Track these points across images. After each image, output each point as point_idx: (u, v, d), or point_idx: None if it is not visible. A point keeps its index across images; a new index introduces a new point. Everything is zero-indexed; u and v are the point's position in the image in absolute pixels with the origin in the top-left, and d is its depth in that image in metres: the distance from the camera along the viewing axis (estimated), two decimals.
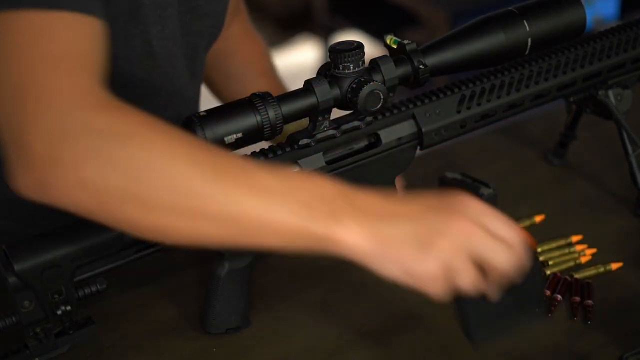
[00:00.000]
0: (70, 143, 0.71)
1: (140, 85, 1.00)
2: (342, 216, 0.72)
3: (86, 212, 0.73)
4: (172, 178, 0.72)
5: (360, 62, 0.89)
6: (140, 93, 1.00)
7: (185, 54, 1.05)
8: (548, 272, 1.03)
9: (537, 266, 0.81)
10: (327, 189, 0.74)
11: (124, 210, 0.72)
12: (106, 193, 0.71)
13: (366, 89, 0.88)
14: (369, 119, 0.93)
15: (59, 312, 0.82)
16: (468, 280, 0.73)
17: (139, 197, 0.72)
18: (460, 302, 0.78)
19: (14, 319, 0.82)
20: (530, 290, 0.81)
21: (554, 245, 1.07)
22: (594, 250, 1.06)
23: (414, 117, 0.96)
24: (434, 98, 0.97)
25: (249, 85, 1.20)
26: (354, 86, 0.88)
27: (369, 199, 0.74)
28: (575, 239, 1.08)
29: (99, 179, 0.71)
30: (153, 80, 1.01)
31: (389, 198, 0.75)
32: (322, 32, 3.44)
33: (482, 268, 0.74)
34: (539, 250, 1.06)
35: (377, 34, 3.17)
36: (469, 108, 0.99)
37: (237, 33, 1.23)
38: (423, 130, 0.96)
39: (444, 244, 0.72)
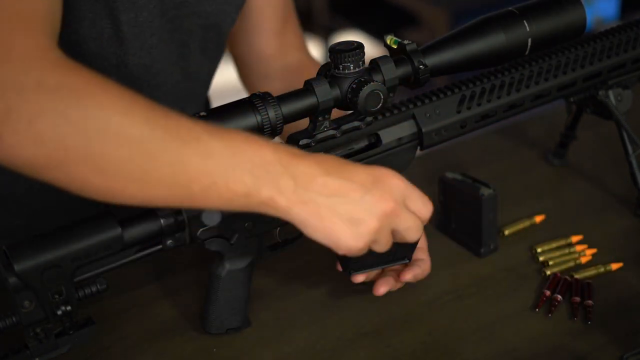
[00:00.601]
0: (25, 98, 0.71)
1: (114, 71, 1.01)
2: (281, 184, 0.77)
3: (37, 169, 0.74)
4: (127, 139, 0.73)
5: (360, 62, 0.89)
6: (114, 80, 1.01)
7: (174, 50, 1.05)
8: (548, 272, 1.03)
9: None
10: (268, 156, 0.77)
11: (75, 168, 0.73)
12: (59, 150, 0.72)
13: (366, 89, 0.88)
14: (369, 119, 0.93)
15: (59, 312, 0.82)
16: (385, 248, 0.84)
17: (92, 156, 0.73)
18: None
19: (14, 319, 0.82)
20: (407, 246, 0.92)
21: (554, 245, 1.07)
22: (594, 250, 1.06)
23: (414, 117, 0.96)
24: (434, 98, 0.97)
25: None
26: (354, 86, 0.88)
27: (307, 169, 0.79)
28: (575, 239, 1.08)
29: (53, 135, 0.71)
30: (128, 69, 1.02)
31: (326, 168, 0.80)
32: (322, 32, 3.44)
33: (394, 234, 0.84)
34: (539, 250, 1.07)
35: (377, 34, 3.17)
36: (469, 108, 0.99)
37: (294, 63, 1.21)
38: (423, 130, 0.96)
39: (373, 224, 0.80)
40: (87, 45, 0.97)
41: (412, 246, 0.93)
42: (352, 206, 0.79)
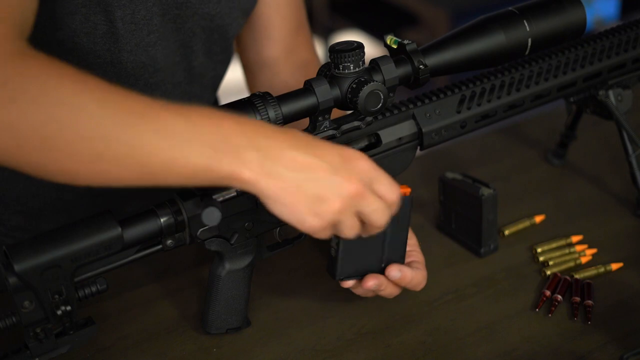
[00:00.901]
0: None
1: (108, 68, 1.00)
2: (244, 156, 0.76)
3: None
4: (81, 121, 0.73)
5: (360, 62, 0.89)
6: (109, 76, 1.01)
7: (176, 50, 1.05)
8: (548, 272, 1.03)
9: (405, 226, 0.92)
10: (230, 128, 0.76)
11: (31, 154, 0.73)
12: (14, 135, 0.72)
13: (366, 89, 0.88)
14: (369, 119, 0.93)
15: (59, 312, 0.82)
16: (351, 232, 0.82)
17: (46, 141, 0.73)
18: (338, 248, 0.90)
19: (14, 319, 0.82)
20: (395, 248, 0.92)
21: (554, 245, 1.07)
22: (594, 250, 1.06)
23: (414, 117, 0.96)
24: (434, 98, 0.97)
25: None
26: (354, 86, 0.88)
27: (273, 142, 0.77)
28: (575, 239, 1.08)
29: (7, 121, 0.72)
30: (122, 65, 1.01)
31: (293, 142, 0.78)
32: (322, 32, 3.44)
33: (362, 220, 0.82)
34: (539, 250, 1.07)
35: (377, 34, 3.18)
36: (469, 108, 0.99)
37: (301, 73, 1.19)
38: (423, 130, 0.96)
39: (337, 204, 0.79)
40: (80, 39, 0.96)
41: (401, 253, 0.93)
42: (319, 184, 0.78)
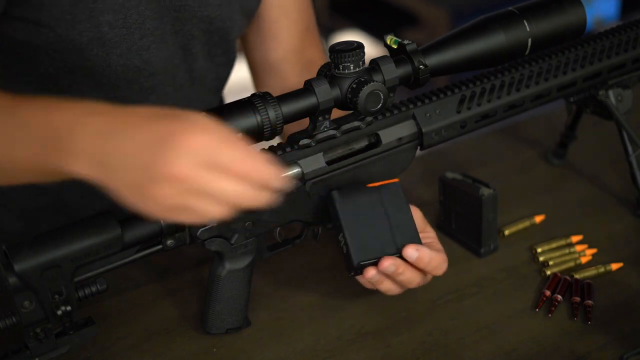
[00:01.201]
0: None
1: (98, 71, 1.00)
2: (70, 148, 0.74)
3: None
4: None
5: (360, 62, 0.89)
6: (98, 79, 1.01)
7: (175, 53, 1.05)
8: (548, 272, 1.03)
9: (404, 208, 0.91)
10: (55, 121, 0.76)
11: None
12: None
13: (366, 89, 0.88)
14: (369, 119, 0.93)
15: (59, 312, 0.82)
16: (214, 214, 0.73)
17: None
18: (345, 241, 0.88)
19: (14, 319, 0.82)
20: (404, 231, 0.90)
21: (554, 245, 1.07)
22: (594, 250, 1.06)
23: (414, 117, 0.96)
24: (434, 98, 0.97)
25: None
26: (354, 86, 0.88)
27: (98, 127, 0.73)
28: (575, 239, 1.08)
29: None
30: (112, 69, 1.00)
31: (109, 125, 0.73)
32: (322, 32, 3.44)
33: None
34: (539, 250, 1.07)
35: (377, 34, 3.18)
36: (469, 108, 0.99)
37: (301, 67, 1.17)
38: (423, 130, 0.96)
39: (160, 190, 0.71)
40: (66, 45, 0.96)
41: (412, 233, 0.90)
42: (135, 173, 0.71)
